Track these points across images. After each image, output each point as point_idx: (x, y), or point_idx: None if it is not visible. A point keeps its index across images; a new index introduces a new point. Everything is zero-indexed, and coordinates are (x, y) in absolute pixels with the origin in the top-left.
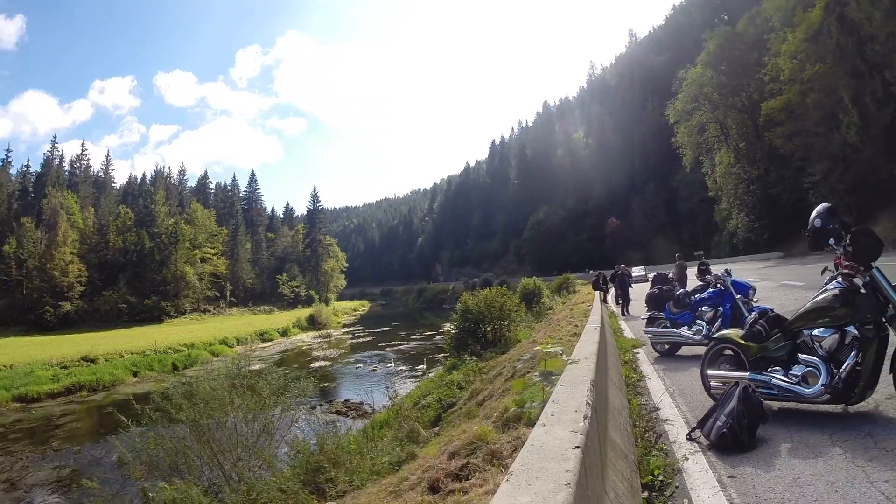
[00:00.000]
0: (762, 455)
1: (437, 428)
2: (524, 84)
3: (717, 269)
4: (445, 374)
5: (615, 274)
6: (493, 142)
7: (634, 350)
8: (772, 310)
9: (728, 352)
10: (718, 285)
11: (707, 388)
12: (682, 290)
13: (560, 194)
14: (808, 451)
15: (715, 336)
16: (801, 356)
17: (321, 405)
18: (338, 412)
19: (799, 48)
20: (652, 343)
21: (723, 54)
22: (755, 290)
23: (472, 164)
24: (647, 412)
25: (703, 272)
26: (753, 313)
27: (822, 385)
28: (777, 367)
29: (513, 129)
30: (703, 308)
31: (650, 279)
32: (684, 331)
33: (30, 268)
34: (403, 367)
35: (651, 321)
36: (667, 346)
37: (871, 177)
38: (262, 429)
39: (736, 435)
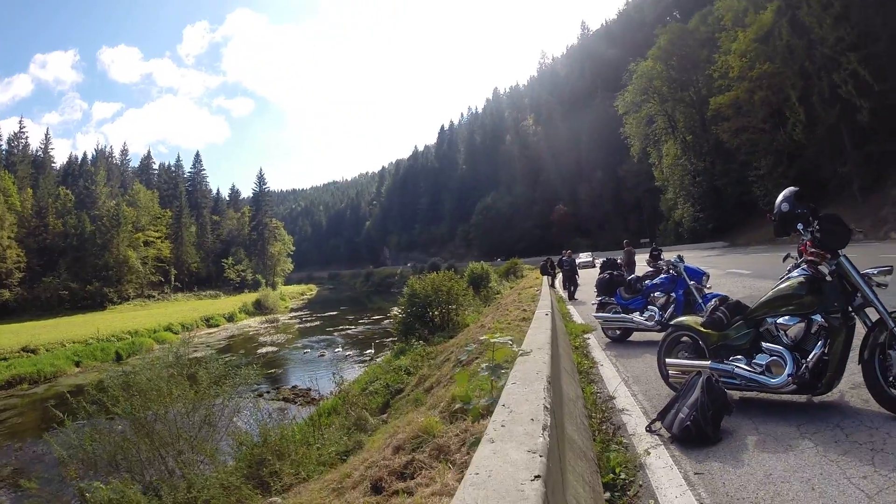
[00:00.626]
0: (728, 449)
1: (385, 415)
2: (475, 71)
3: (668, 255)
4: (393, 359)
5: (562, 259)
6: (443, 127)
7: (585, 335)
8: (727, 297)
9: (686, 339)
10: (671, 271)
11: (665, 377)
12: (633, 276)
13: (508, 180)
14: (777, 444)
15: (673, 323)
16: (765, 345)
17: (268, 392)
18: (285, 399)
19: (749, 47)
20: (603, 328)
21: (673, 49)
22: (708, 276)
23: (420, 148)
24: (602, 401)
25: (655, 258)
26: (714, 300)
27: (789, 375)
28: (739, 356)
29: (462, 114)
30: (655, 294)
31: (597, 265)
32: (636, 316)
33: None
34: (351, 352)
35: (602, 306)
36: (618, 332)
37: (814, 173)
38: (204, 420)
39: (700, 427)
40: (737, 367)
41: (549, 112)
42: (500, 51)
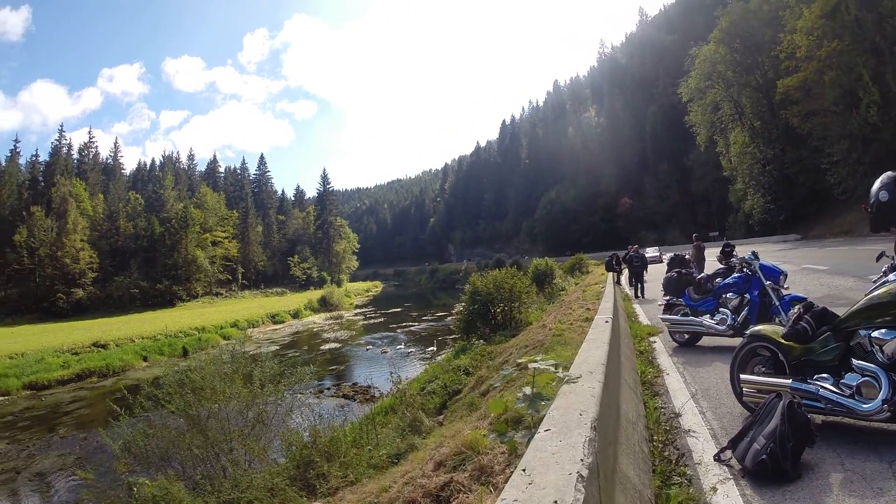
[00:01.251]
0: (809, 489)
1: (441, 416)
2: (534, 64)
3: (740, 251)
4: (453, 357)
5: (630, 255)
6: (504, 122)
7: (650, 339)
8: (811, 303)
9: (764, 352)
10: (745, 269)
11: (738, 395)
12: (703, 275)
13: (571, 174)
14: (866, 485)
15: (749, 332)
16: (857, 362)
17: (328, 389)
18: (345, 396)
19: (815, 24)
20: (670, 332)
21: (736, 31)
22: (786, 275)
23: (482, 144)
24: (665, 419)
25: (727, 255)
26: (797, 306)
27: (884, 400)
28: (825, 375)
29: (523, 108)
30: (727, 295)
31: (665, 260)
32: (706, 320)
33: (41, 256)
34: (414, 349)
35: (669, 308)
36: (686, 336)
37: (892, 158)
38: (257, 418)
39: (778, 461)
40: (822, 387)
41: (611, 102)
42: (559, 42)
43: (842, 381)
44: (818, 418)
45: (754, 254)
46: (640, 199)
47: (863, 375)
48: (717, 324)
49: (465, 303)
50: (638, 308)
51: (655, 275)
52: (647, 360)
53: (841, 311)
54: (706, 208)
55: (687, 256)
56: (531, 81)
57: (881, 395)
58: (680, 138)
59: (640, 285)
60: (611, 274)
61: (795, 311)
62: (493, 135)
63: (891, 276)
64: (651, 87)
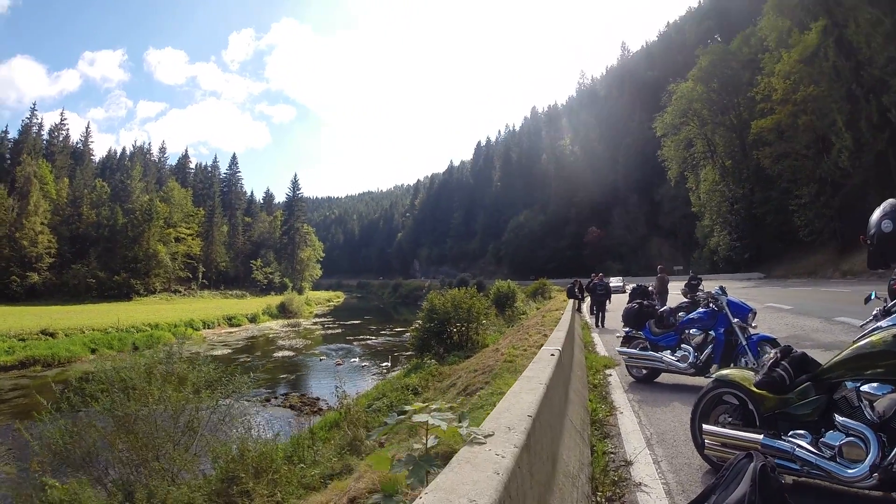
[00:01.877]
0: None
1: (385, 437)
2: (514, 89)
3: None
4: (404, 375)
5: (593, 283)
6: (479, 143)
7: (606, 371)
8: (789, 347)
9: (731, 399)
10: (711, 305)
11: (699, 446)
12: (665, 308)
13: (542, 199)
14: None
15: (716, 377)
16: (840, 419)
17: (277, 398)
18: (292, 406)
19: (793, 68)
20: (627, 366)
21: (714, 71)
22: (755, 313)
23: (456, 163)
24: (615, 467)
25: (693, 287)
26: (774, 351)
27: (871, 465)
28: (802, 431)
29: (499, 131)
30: (690, 331)
31: (628, 291)
32: (667, 355)
33: None
34: (368, 363)
35: (627, 340)
36: (644, 372)
37: (860, 203)
38: (187, 425)
39: None
40: (799, 446)
41: (587, 132)
42: (540, 70)
43: (822, 439)
44: (790, 478)
45: (722, 289)
46: (609, 228)
47: (847, 435)
48: (677, 360)
49: (421, 320)
50: (597, 337)
51: (618, 305)
52: (600, 396)
53: (817, 356)
54: (672, 242)
55: (650, 288)
56: (509, 107)
57: (868, 459)
58: (652, 172)
59: (601, 314)
60: (571, 301)
61: (771, 355)
62: (468, 156)
63: (883, 323)
64: (627, 121)
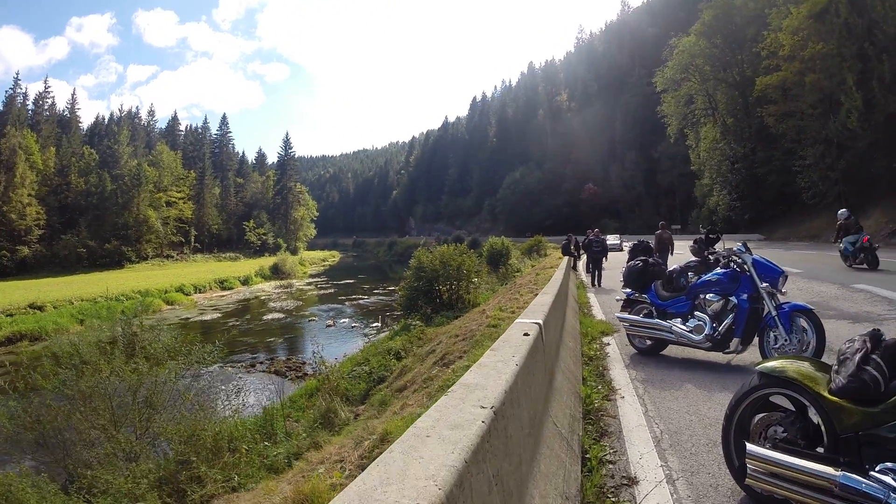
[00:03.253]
0: None
1: (362, 406)
2: (510, 44)
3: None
4: (388, 338)
5: (589, 239)
6: (475, 98)
7: (604, 339)
8: (878, 332)
9: (785, 404)
10: (732, 265)
11: (736, 471)
12: (676, 267)
13: (538, 156)
14: None
15: (762, 370)
16: None
17: (262, 363)
18: (277, 371)
19: (802, 24)
20: (628, 334)
21: (718, 26)
22: (787, 277)
23: (451, 119)
24: (613, 487)
25: (707, 243)
26: (862, 337)
27: None
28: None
29: (496, 87)
30: (707, 295)
31: (626, 250)
32: (677, 325)
33: None
34: (359, 324)
35: (629, 304)
36: (648, 342)
37: (866, 166)
38: (146, 402)
39: None
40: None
41: (585, 88)
42: (537, 25)
43: None
44: None
45: (745, 245)
46: (605, 186)
47: None
48: (690, 332)
49: (408, 279)
50: (593, 298)
51: (615, 263)
52: (596, 372)
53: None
54: (670, 201)
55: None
56: (506, 61)
57: None
58: (650, 130)
59: (597, 273)
60: (566, 259)
61: (856, 343)
62: (463, 112)
63: None
64: (626, 77)
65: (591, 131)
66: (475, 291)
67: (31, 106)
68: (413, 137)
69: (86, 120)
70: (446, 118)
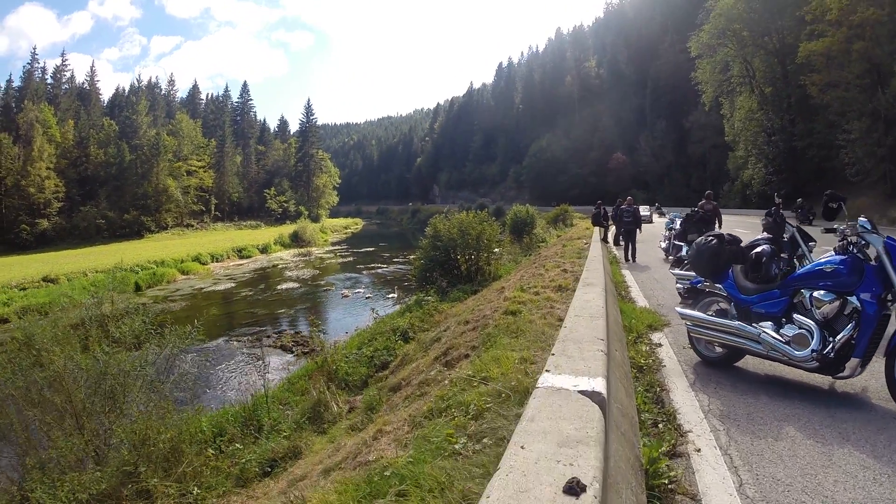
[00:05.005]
0: None
1: (359, 397)
2: (537, 9)
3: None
4: (399, 314)
5: (622, 209)
6: (501, 64)
7: (652, 337)
8: None
9: None
10: (852, 248)
11: None
12: (764, 248)
13: (565, 124)
14: None
15: None
16: None
17: (269, 337)
18: (283, 347)
19: None
20: (691, 337)
21: None
22: None
23: (476, 86)
24: None
25: (804, 214)
26: None
27: None
28: None
29: (522, 53)
30: (815, 293)
31: (656, 222)
32: (768, 331)
33: (8, 185)
34: (375, 294)
35: (693, 295)
36: (719, 350)
37: None
38: (108, 394)
39: None
40: None
41: (614, 55)
42: None
43: None
44: None
45: (870, 223)
46: (634, 156)
47: None
48: (788, 343)
49: (424, 248)
50: (629, 276)
51: (647, 236)
52: (652, 396)
53: None
54: (701, 173)
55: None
56: (533, 27)
57: None
58: (681, 98)
59: (630, 246)
60: (596, 229)
61: None
62: (489, 78)
63: None
64: (657, 44)
65: (620, 99)
66: (496, 263)
67: (50, 80)
68: (438, 104)
69: (108, 93)
70: (471, 84)
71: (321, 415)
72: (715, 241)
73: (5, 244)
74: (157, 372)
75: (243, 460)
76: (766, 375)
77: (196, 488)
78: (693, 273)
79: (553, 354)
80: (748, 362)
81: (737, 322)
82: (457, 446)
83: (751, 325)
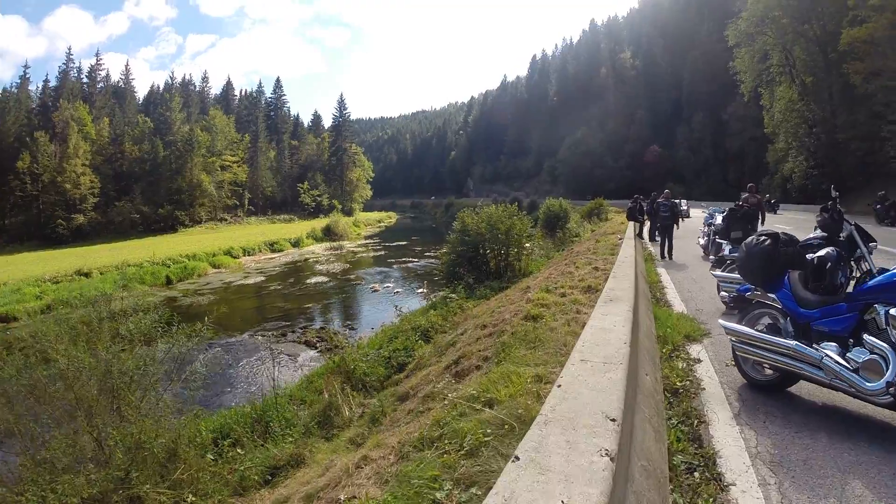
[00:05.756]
0: None
1: (374, 399)
2: (572, 1)
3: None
4: (423, 311)
5: (658, 202)
6: (534, 57)
7: (689, 350)
8: None
9: None
10: None
11: None
12: (829, 251)
13: (600, 116)
14: None
15: None
16: None
17: (294, 332)
18: (307, 342)
19: None
20: (737, 354)
21: None
22: None
23: (510, 79)
24: None
25: (884, 211)
26: None
27: None
28: None
29: (556, 45)
30: (891, 310)
31: (690, 214)
32: (831, 354)
33: (45, 182)
34: (404, 289)
35: (741, 305)
36: (770, 373)
37: None
38: (111, 392)
39: None
40: None
41: (649, 45)
42: None
43: None
44: None
45: None
46: (670, 149)
47: None
48: (856, 371)
49: (451, 243)
50: (665, 276)
51: (684, 231)
52: (687, 430)
53: None
54: (739, 166)
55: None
56: (566, 19)
57: None
58: (719, 90)
59: (667, 242)
60: (631, 224)
61: None
62: (522, 71)
63: None
64: (693, 34)
65: (657, 91)
66: (526, 258)
67: (85, 80)
68: (472, 98)
69: (143, 90)
70: (505, 77)
71: (331, 419)
72: (768, 241)
73: (43, 239)
74: (167, 372)
75: (242, 467)
76: (825, 406)
77: (191, 495)
78: (739, 277)
79: (514, 460)
80: (803, 387)
81: (793, 342)
82: (439, 495)
83: (810, 347)
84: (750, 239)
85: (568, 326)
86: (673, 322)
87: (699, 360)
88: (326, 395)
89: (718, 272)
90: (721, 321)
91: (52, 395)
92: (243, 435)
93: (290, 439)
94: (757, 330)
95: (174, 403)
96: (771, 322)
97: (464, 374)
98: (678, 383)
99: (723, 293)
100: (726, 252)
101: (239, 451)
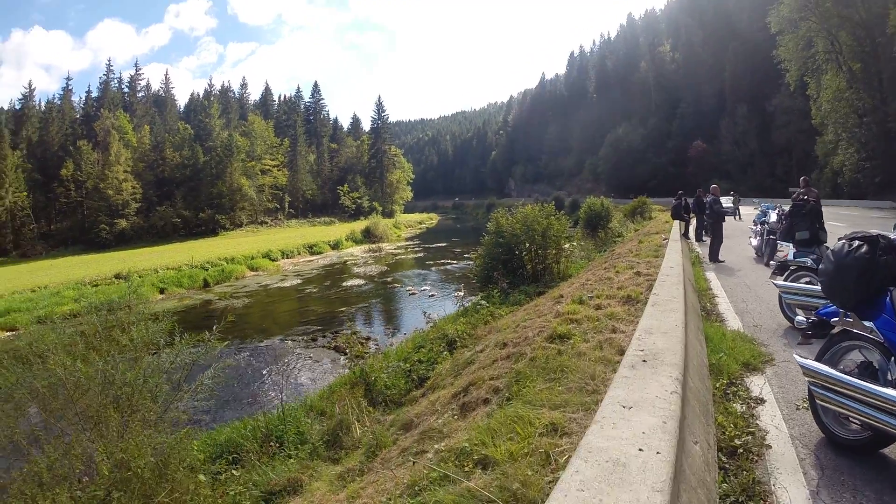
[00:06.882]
0: None
1: (391, 416)
2: None
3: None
4: (454, 319)
5: (704, 200)
6: (572, 53)
7: (748, 382)
8: None
9: None
10: None
11: None
12: None
13: (641, 112)
14: None
15: None
16: None
17: (325, 336)
18: (336, 348)
19: None
20: (815, 401)
21: None
22: None
23: (549, 76)
24: None
25: None
26: None
27: None
28: None
29: (594, 41)
30: None
31: (739, 213)
32: None
33: (88, 188)
34: (441, 292)
35: (821, 332)
36: (856, 427)
37: None
38: (114, 404)
39: None
40: None
41: (689, 38)
42: None
43: None
44: None
45: None
46: (714, 144)
47: None
48: None
49: (486, 245)
50: (714, 281)
51: (731, 230)
52: None
53: None
54: (786, 160)
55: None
56: (603, 14)
57: None
58: (763, 80)
59: (716, 243)
60: (677, 224)
61: None
62: (561, 69)
63: None
64: (734, 24)
65: (698, 84)
66: (566, 261)
67: (126, 89)
68: (511, 97)
69: (183, 98)
70: (543, 75)
71: (340, 438)
72: (865, 247)
73: (87, 243)
74: (171, 383)
75: (233, 492)
76: None
77: None
78: (811, 289)
79: None
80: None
81: (894, 391)
82: None
83: None
84: (839, 244)
85: (599, 351)
86: (728, 345)
87: (762, 401)
88: (338, 410)
89: (780, 281)
90: (797, 356)
91: (53, 405)
92: (251, 450)
93: (294, 460)
94: (844, 371)
95: (178, 416)
96: (864, 360)
97: (470, 407)
98: (736, 440)
99: (799, 317)
100: (790, 256)
101: (234, 472)
